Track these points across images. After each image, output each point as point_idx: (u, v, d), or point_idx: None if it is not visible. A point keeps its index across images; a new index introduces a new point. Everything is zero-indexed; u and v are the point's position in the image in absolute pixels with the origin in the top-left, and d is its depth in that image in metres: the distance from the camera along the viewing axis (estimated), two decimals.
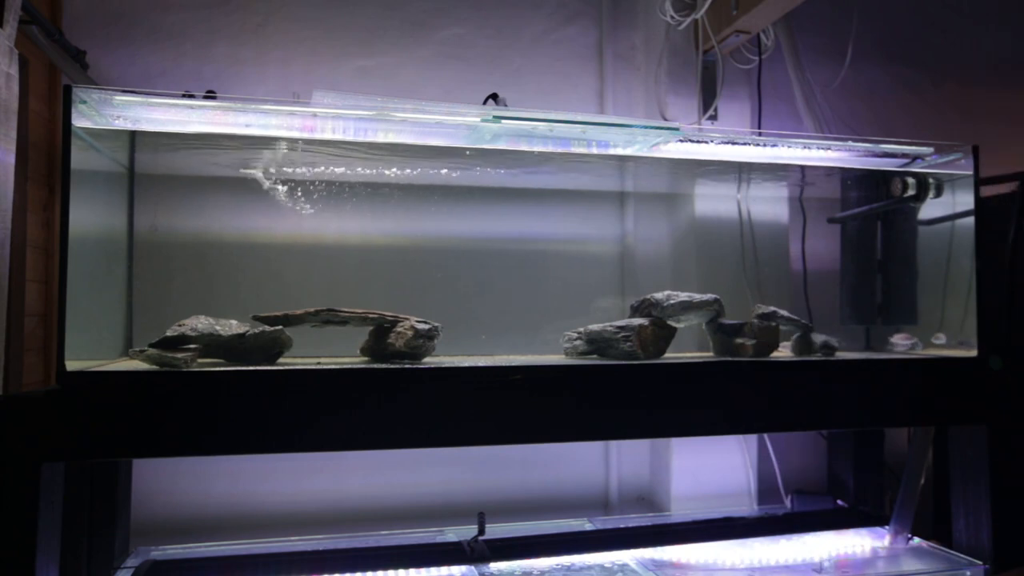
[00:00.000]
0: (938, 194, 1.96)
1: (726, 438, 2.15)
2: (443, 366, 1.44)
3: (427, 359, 1.54)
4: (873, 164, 2.01)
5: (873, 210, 2.10)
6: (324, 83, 1.97)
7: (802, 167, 2.13)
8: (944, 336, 1.94)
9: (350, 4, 2.10)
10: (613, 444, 2.21)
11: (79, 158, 1.35)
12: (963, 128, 2.55)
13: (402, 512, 2.02)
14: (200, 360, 1.43)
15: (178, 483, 1.92)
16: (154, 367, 1.35)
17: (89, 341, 1.48)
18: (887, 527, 2.00)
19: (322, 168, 1.87)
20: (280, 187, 1.85)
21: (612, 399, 1.48)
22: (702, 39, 2.13)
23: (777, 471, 2.22)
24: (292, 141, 1.80)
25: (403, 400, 1.36)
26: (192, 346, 1.40)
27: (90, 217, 1.49)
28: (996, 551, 1.70)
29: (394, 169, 1.91)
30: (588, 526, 2.02)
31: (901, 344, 2.01)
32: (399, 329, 1.51)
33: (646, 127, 1.70)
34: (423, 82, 2.12)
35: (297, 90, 1.79)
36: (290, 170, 1.85)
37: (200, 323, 1.43)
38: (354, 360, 1.56)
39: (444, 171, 1.95)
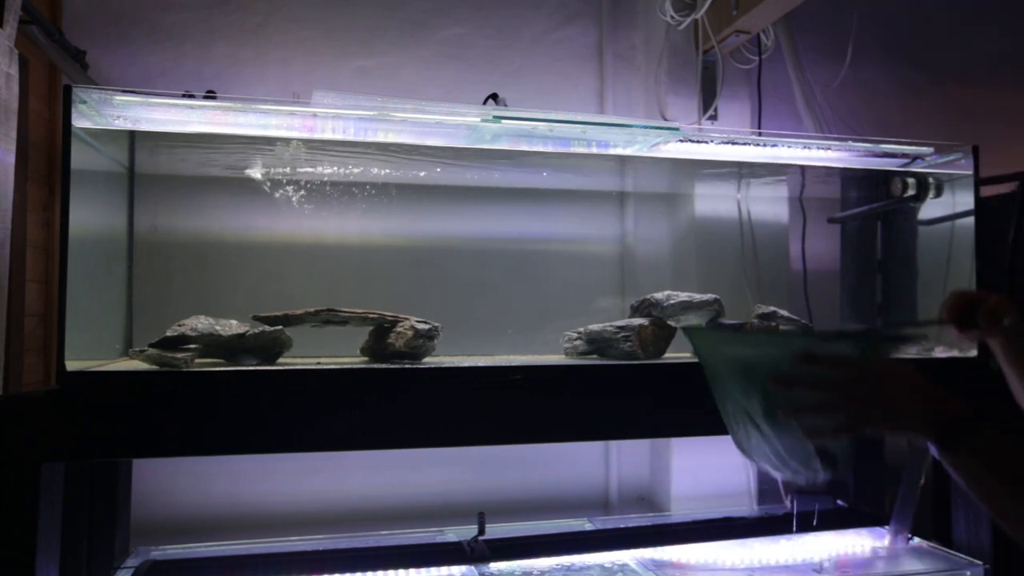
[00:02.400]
0: (938, 194, 1.96)
1: (726, 438, 2.14)
2: (443, 366, 1.44)
3: (427, 359, 1.54)
4: (873, 164, 2.01)
5: (873, 210, 2.10)
6: (324, 83, 1.97)
7: (802, 167, 2.13)
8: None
9: (350, 4, 2.10)
10: (613, 444, 2.21)
11: (79, 158, 1.35)
12: (963, 128, 2.55)
13: (402, 512, 2.02)
14: (200, 360, 1.43)
15: (178, 483, 1.92)
16: (154, 367, 1.35)
17: (89, 341, 1.48)
18: (887, 527, 2.00)
19: (322, 168, 1.87)
20: (280, 187, 1.85)
21: (612, 399, 1.48)
22: (702, 39, 2.13)
23: None
24: (292, 141, 1.80)
25: (403, 400, 1.36)
26: (192, 346, 1.40)
27: (90, 217, 1.49)
28: (996, 551, 1.70)
29: (394, 169, 1.91)
30: (588, 526, 2.02)
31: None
32: (399, 329, 1.51)
33: (646, 127, 1.70)
34: (423, 82, 2.12)
35: (297, 90, 1.79)
36: (290, 170, 1.85)
37: (200, 323, 1.43)
38: (354, 360, 1.56)
39: (444, 171, 1.95)
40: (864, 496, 2.16)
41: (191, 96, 1.48)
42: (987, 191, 1.92)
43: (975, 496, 0.86)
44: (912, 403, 0.88)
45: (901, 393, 0.88)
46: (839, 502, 2.21)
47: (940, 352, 1.92)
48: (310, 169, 1.86)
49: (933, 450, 0.87)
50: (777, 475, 1.02)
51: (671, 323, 1.69)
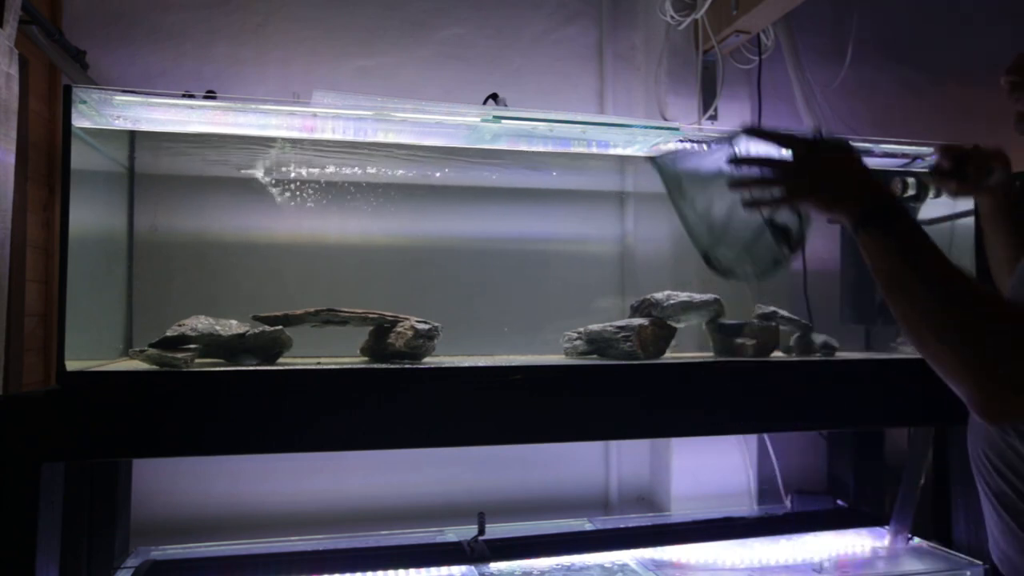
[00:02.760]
0: (938, 194, 1.95)
1: (726, 438, 2.15)
2: (443, 366, 1.44)
3: (427, 359, 1.54)
4: (873, 164, 2.00)
5: None
6: (324, 83, 1.97)
7: None
8: None
9: (350, 4, 2.10)
10: (613, 444, 2.21)
11: (79, 158, 1.35)
12: (963, 128, 2.55)
13: (402, 512, 2.02)
14: (200, 360, 1.43)
15: (178, 483, 1.92)
16: (154, 367, 1.35)
17: (89, 341, 1.48)
18: (887, 527, 2.00)
19: (322, 168, 1.87)
20: (280, 187, 1.85)
21: (612, 399, 1.48)
22: (702, 39, 2.12)
23: (777, 471, 2.22)
24: (292, 141, 1.80)
25: (403, 400, 1.36)
26: (192, 346, 1.40)
27: (90, 217, 1.49)
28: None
29: (394, 169, 1.91)
30: (588, 526, 2.02)
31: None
32: (399, 329, 1.51)
33: (646, 127, 1.70)
34: (423, 82, 2.12)
35: (297, 90, 1.80)
36: (290, 170, 1.85)
37: (200, 323, 1.43)
38: (354, 360, 1.56)
39: (444, 171, 1.95)
40: (864, 496, 2.16)
41: (191, 96, 1.48)
42: None
43: (879, 276, 0.92)
44: (842, 181, 0.95)
45: (834, 171, 0.96)
46: (839, 502, 2.21)
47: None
48: (310, 169, 1.86)
49: (851, 228, 0.94)
50: (744, 273, 1.13)
51: (671, 323, 1.70)
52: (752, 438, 2.18)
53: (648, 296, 1.73)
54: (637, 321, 1.65)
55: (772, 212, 1.04)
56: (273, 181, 1.84)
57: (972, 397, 0.85)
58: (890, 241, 0.90)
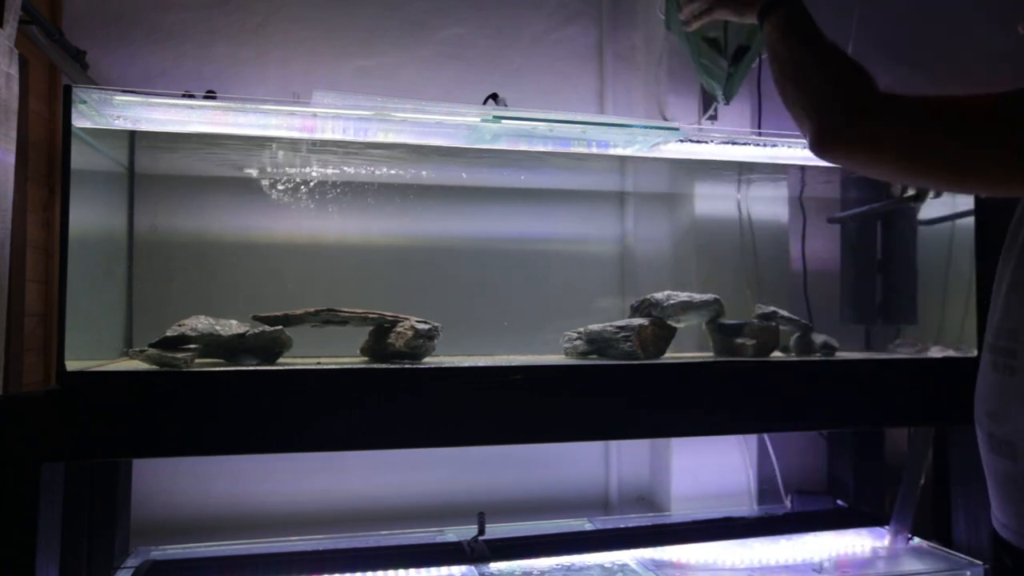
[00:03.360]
0: (938, 194, 1.96)
1: (726, 438, 2.15)
2: (443, 366, 1.44)
3: (427, 359, 1.54)
4: None
5: (873, 210, 2.10)
6: (324, 83, 1.96)
7: (802, 167, 2.13)
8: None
9: (350, 4, 2.10)
10: (613, 444, 2.21)
11: (79, 158, 1.35)
12: None
13: (402, 512, 2.02)
14: (200, 360, 1.43)
15: (178, 483, 1.92)
16: (154, 367, 1.35)
17: (89, 341, 1.48)
18: (887, 527, 2.00)
19: (322, 168, 1.87)
20: (280, 187, 1.85)
21: (612, 399, 1.48)
22: None
23: (777, 471, 2.22)
24: (292, 141, 1.80)
25: (403, 400, 1.36)
26: (192, 346, 1.40)
27: (90, 217, 1.49)
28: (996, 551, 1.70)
29: (394, 169, 1.91)
30: (588, 526, 2.02)
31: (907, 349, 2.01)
32: (399, 329, 1.51)
33: (646, 127, 1.70)
34: (423, 82, 2.12)
35: (297, 90, 1.79)
36: (290, 170, 1.85)
37: (200, 323, 1.43)
38: (354, 360, 1.56)
39: (444, 171, 1.95)
40: (864, 496, 2.16)
41: (191, 96, 1.48)
42: None
43: (775, 59, 1.11)
44: None
45: None
46: (839, 502, 2.21)
47: (936, 352, 1.92)
48: (310, 169, 1.86)
49: (759, 23, 1.15)
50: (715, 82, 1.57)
51: (671, 323, 1.70)
52: (752, 438, 2.18)
53: (648, 296, 1.73)
54: (637, 321, 1.65)
55: (702, 26, 1.30)
56: (273, 181, 1.84)
57: (810, 128, 1.02)
58: (788, 24, 1.08)
